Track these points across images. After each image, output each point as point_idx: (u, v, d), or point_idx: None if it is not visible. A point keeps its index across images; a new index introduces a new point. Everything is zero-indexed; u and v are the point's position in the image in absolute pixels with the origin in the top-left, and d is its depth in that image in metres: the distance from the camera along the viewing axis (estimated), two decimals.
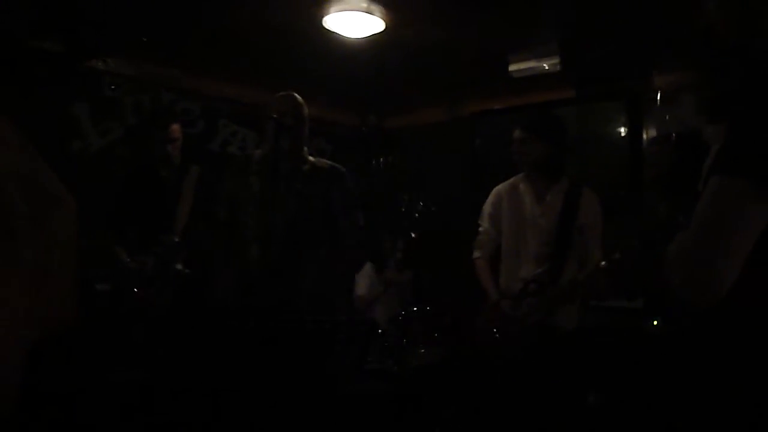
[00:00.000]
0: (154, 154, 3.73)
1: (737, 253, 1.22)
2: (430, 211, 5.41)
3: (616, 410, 3.93)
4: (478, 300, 3.36)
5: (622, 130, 5.17)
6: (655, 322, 4.11)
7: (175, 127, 3.73)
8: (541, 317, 3.06)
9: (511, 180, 3.36)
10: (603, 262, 2.98)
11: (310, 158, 3.23)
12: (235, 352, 2.81)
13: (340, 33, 4.18)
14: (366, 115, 6.63)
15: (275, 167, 3.03)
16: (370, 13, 3.94)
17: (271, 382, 2.67)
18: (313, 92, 3.70)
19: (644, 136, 5.09)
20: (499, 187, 3.40)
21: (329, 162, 3.27)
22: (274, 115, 2.98)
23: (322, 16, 3.99)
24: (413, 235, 5.36)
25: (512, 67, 4.73)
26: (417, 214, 4.55)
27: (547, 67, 4.62)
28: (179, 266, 3.43)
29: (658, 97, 4.43)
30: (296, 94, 3.20)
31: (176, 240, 3.45)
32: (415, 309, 4.58)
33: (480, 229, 3.42)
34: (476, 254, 3.42)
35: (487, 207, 3.42)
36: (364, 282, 5.21)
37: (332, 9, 3.90)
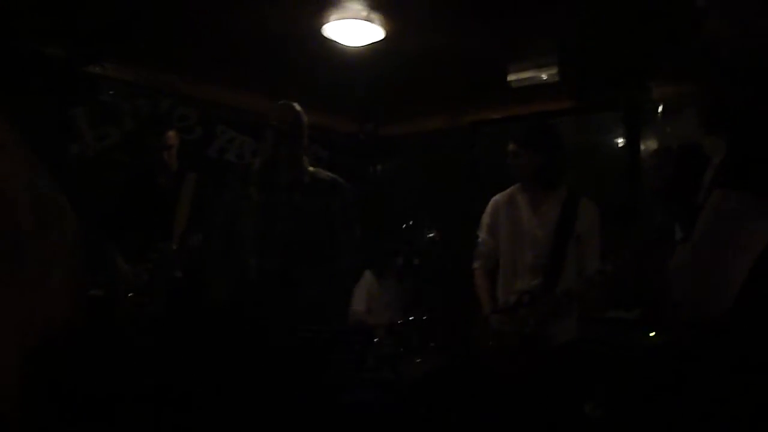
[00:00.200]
0: (150, 161, 3.72)
1: (739, 266, 1.21)
2: (435, 243, 5.39)
3: (613, 422, 3.92)
4: (475, 310, 3.35)
5: (621, 140, 5.19)
6: (652, 334, 4.11)
7: (171, 134, 3.72)
8: (535, 329, 3.04)
9: (509, 190, 3.35)
10: (595, 274, 2.98)
11: (310, 168, 3.21)
12: (233, 361, 2.80)
13: (339, 41, 4.18)
14: (364, 123, 6.63)
15: (274, 176, 3.02)
16: (370, 22, 3.94)
17: (269, 390, 2.66)
18: (311, 99, 3.69)
19: (642, 147, 5.11)
20: (497, 197, 3.40)
21: (330, 174, 3.25)
22: (274, 123, 2.98)
23: (322, 24, 3.98)
24: (417, 262, 5.34)
25: (511, 77, 4.74)
26: (422, 244, 4.53)
27: (545, 77, 4.63)
28: (177, 273, 3.42)
29: (659, 110, 4.43)
30: (295, 104, 3.19)
31: (173, 247, 3.44)
32: (411, 318, 4.58)
33: (479, 239, 3.41)
34: (475, 264, 3.41)
35: (485, 217, 3.41)
36: (361, 296, 5.19)
37: (332, 17, 3.89)
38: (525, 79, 4.72)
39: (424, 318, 4.62)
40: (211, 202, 3.45)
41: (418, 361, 4.21)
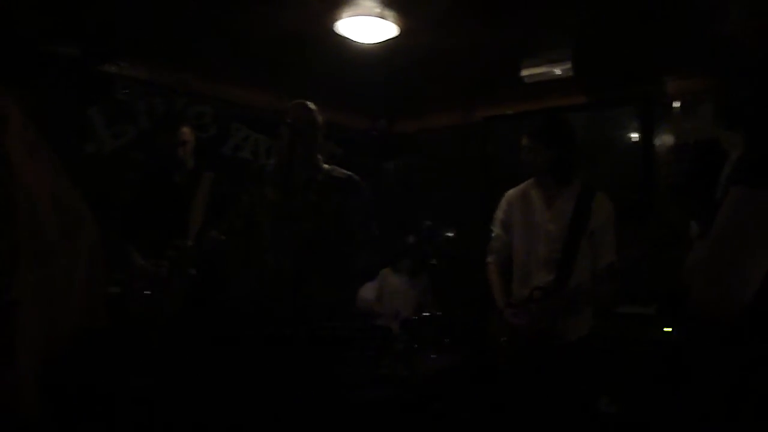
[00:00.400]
0: (166, 158, 3.74)
1: (758, 263, 1.21)
2: (449, 240, 5.39)
3: (627, 418, 3.92)
4: (490, 305, 3.35)
5: (635, 135, 5.17)
6: (668, 329, 4.09)
7: (185, 130, 3.73)
8: (547, 324, 3.03)
9: (522, 185, 3.35)
10: (604, 269, 2.97)
11: (325, 166, 3.22)
12: (250, 358, 2.82)
13: (352, 38, 4.18)
14: (377, 120, 6.63)
15: (289, 176, 3.03)
16: (383, 19, 3.94)
17: (286, 388, 2.68)
18: (325, 96, 3.70)
19: (656, 142, 5.08)
20: (511, 192, 3.39)
21: (345, 171, 3.25)
22: (289, 122, 2.99)
23: (335, 21, 3.99)
24: (434, 262, 5.34)
25: (525, 72, 4.74)
26: (438, 244, 4.55)
27: (559, 73, 4.62)
28: (192, 270, 3.44)
29: (677, 105, 4.40)
30: (310, 103, 3.20)
31: (189, 244, 3.46)
32: (426, 314, 4.58)
33: (492, 234, 3.41)
34: (489, 259, 3.41)
35: (498, 212, 3.41)
36: (371, 284, 5.20)
37: (345, 14, 3.90)
38: (538, 74, 4.71)
39: (439, 314, 4.63)
40: (227, 201, 3.46)
41: (432, 357, 4.21)
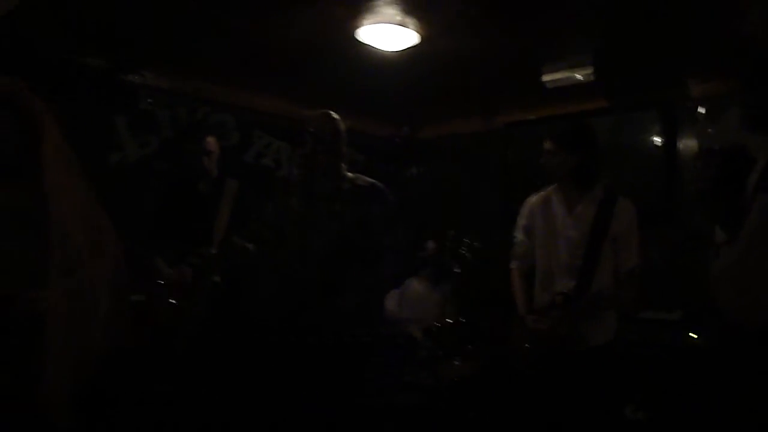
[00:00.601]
0: (190, 167, 3.78)
1: None
2: (474, 248, 5.37)
3: (654, 425, 3.88)
4: (512, 311, 3.34)
5: (657, 139, 5.13)
6: (694, 336, 4.05)
7: (211, 140, 3.77)
8: (569, 330, 3.01)
9: (544, 191, 3.33)
10: (625, 275, 2.94)
11: (349, 175, 3.23)
12: (276, 366, 2.83)
13: (373, 46, 4.20)
14: (399, 126, 6.65)
15: (313, 185, 3.05)
16: (405, 26, 3.95)
17: (310, 396, 2.69)
18: (347, 103, 3.72)
19: (680, 146, 5.04)
20: (533, 199, 3.38)
21: (369, 180, 3.24)
22: (311, 132, 3.00)
23: (356, 29, 4.01)
24: (457, 270, 5.33)
25: (546, 78, 4.72)
26: (463, 253, 4.56)
27: (580, 78, 4.60)
28: (216, 278, 3.47)
29: (701, 111, 4.36)
30: (333, 112, 3.22)
31: (213, 252, 3.48)
32: (449, 321, 4.57)
33: (515, 240, 3.40)
34: (512, 265, 3.40)
35: (521, 218, 3.40)
36: (393, 294, 5.20)
37: (366, 22, 3.92)
38: (560, 79, 4.69)
39: (462, 320, 4.62)
40: (251, 210, 3.48)
41: (456, 363, 4.20)
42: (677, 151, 5.04)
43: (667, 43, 4.15)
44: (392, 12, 3.77)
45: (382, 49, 4.24)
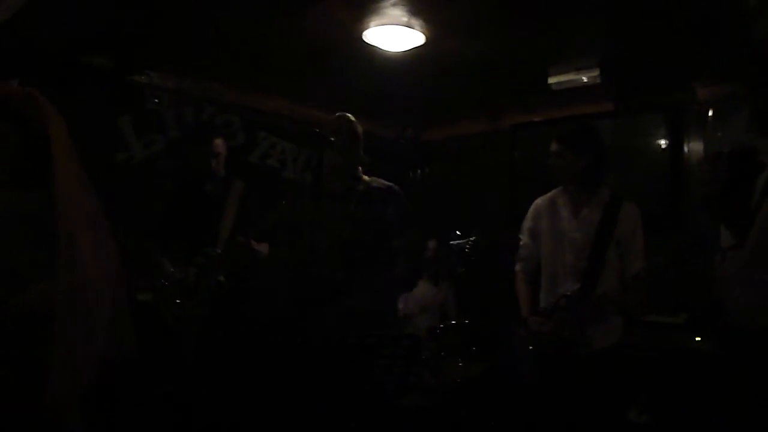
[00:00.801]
0: (197, 168, 3.79)
1: None
2: (479, 246, 5.36)
3: (658, 428, 3.87)
4: (516, 314, 3.34)
5: (663, 142, 5.11)
6: (698, 339, 4.04)
7: (218, 142, 3.78)
8: (573, 332, 3.01)
9: (550, 193, 3.33)
10: (630, 278, 2.94)
11: (366, 178, 3.25)
12: (279, 366, 2.83)
13: (379, 47, 4.20)
14: (404, 128, 6.64)
15: (330, 187, 3.07)
16: (410, 27, 3.96)
17: (316, 396, 2.69)
18: (352, 105, 3.72)
19: (686, 149, 5.03)
20: (538, 201, 3.38)
21: (385, 182, 3.28)
22: (328, 134, 3.04)
23: (362, 30, 4.01)
24: (461, 269, 5.32)
25: (552, 80, 4.72)
26: (468, 251, 4.55)
27: (586, 80, 4.60)
28: (221, 278, 3.48)
29: (710, 114, 4.35)
30: (349, 115, 3.25)
31: (218, 252, 3.49)
32: (453, 322, 4.57)
33: (521, 243, 3.40)
34: (517, 268, 3.40)
35: (526, 221, 3.39)
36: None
37: (372, 23, 3.92)
38: (566, 81, 4.69)
39: (466, 322, 4.61)
40: (256, 210, 3.50)
41: (459, 364, 4.20)
42: (683, 154, 5.03)
43: (674, 45, 4.14)
44: (398, 13, 3.77)
45: (388, 50, 4.24)
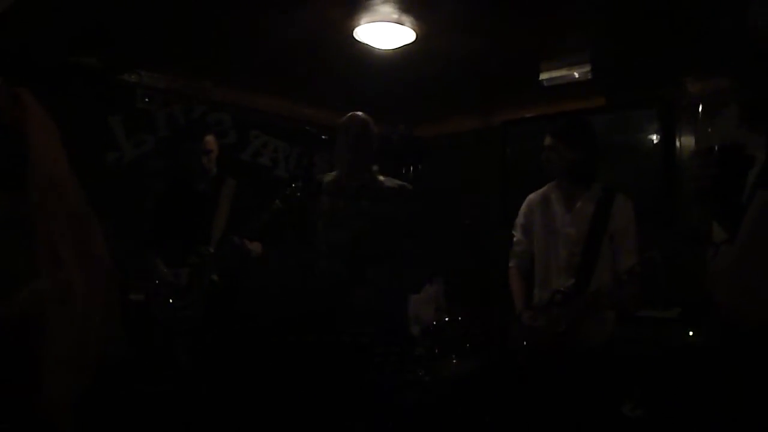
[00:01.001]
0: (189, 166, 3.77)
1: None
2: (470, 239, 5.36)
3: (652, 423, 3.88)
4: (511, 309, 3.34)
5: (654, 138, 5.12)
6: (691, 333, 4.05)
7: (209, 139, 3.76)
8: (567, 328, 3.01)
9: (543, 189, 3.33)
10: (624, 273, 2.94)
11: (380, 177, 3.27)
12: (274, 364, 2.83)
13: (370, 44, 4.19)
14: (396, 125, 6.63)
15: (344, 184, 3.08)
16: (401, 24, 3.95)
17: (310, 393, 2.69)
18: (344, 102, 3.71)
19: (678, 144, 5.04)
20: (531, 197, 3.38)
21: (398, 181, 3.32)
22: (343, 132, 3.06)
23: (353, 28, 4.00)
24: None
25: (543, 76, 4.71)
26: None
27: (578, 76, 4.60)
28: (214, 277, 3.47)
29: (700, 109, 4.35)
30: (363, 113, 3.26)
31: (211, 251, 3.48)
32: (447, 319, 4.57)
33: (514, 239, 3.40)
34: (510, 264, 3.40)
35: (519, 217, 3.40)
36: None
37: (363, 20, 3.91)
38: (557, 77, 4.68)
39: (460, 318, 4.62)
40: (249, 208, 3.49)
41: (454, 361, 4.20)
42: (675, 149, 5.04)
43: (665, 40, 4.14)
44: (389, 10, 3.76)
45: (379, 47, 4.24)
